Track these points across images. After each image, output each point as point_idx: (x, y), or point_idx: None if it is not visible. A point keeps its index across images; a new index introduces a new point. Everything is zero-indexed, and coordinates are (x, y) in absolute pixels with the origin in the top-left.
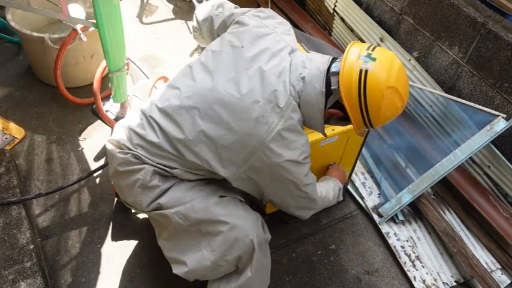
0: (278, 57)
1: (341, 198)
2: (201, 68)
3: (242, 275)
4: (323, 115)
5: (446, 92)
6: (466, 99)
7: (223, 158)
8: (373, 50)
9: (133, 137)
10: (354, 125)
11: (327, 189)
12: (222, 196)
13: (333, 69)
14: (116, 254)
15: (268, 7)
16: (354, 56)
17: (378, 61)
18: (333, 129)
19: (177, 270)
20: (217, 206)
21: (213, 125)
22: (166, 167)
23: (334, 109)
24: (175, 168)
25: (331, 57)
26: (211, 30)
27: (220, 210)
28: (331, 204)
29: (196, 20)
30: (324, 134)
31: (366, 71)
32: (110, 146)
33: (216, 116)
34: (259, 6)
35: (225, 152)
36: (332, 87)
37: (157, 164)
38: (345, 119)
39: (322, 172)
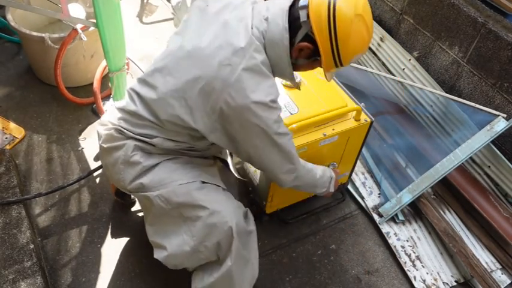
0: (241, 8)
1: (332, 190)
2: (174, 36)
3: (223, 266)
4: (289, 53)
5: (446, 92)
6: (466, 99)
7: (194, 109)
8: None
9: (117, 112)
10: (323, 58)
11: (315, 167)
12: (204, 182)
13: (301, 3)
14: (115, 254)
15: None
16: None
17: None
18: (333, 129)
19: (157, 254)
20: (199, 192)
21: (181, 78)
22: (147, 136)
23: (304, 42)
24: (155, 137)
25: None
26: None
27: (201, 196)
28: (321, 192)
29: (172, 6)
30: (294, 83)
31: (335, 1)
32: (98, 127)
33: (184, 69)
34: None
35: (194, 102)
36: (301, 20)
37: (138, 134)
38: (314, 55)
39: None
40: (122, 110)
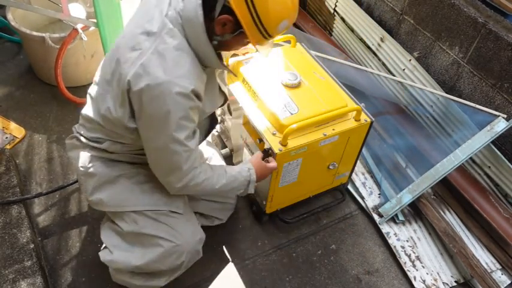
0: None
1: (251, 191)
2: None
3: (153, 280)
4: (205, 30)
5: (446, 92)
6: (466, 100)
7: (115, 99)
8: None
9: (79, 120)
10: (245, 28)
11: (221, 174)
12: (171, 211)
13: None
14: None
15: None
16: None
17: None
18: (333, 129)
19: (103, 255)
20: (157, 222)
21: (109, 68)
22: (98, 141)
23: (224, 15)
24: (104, 140)
25: None
26: None
27: (160, 226)
28: (233, 194)
29: None
30: (223, 67)
31: None
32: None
33: (109, 60)
34: None
35: (115, 91)
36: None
37: (91, 139)
38: (238, 27)
39: (322, 172)
40: (80, 115)
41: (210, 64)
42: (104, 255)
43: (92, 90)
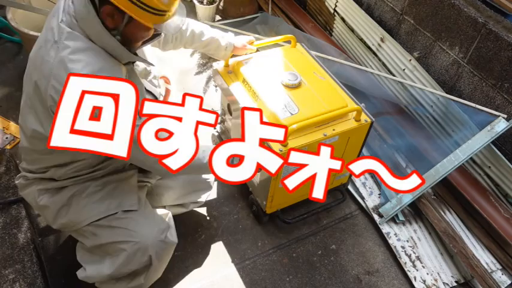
0: (57, 2)
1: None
2: None
3: (134, 280)
4: (102, 25)
5: (446, 92)
6: (466, 100)
7: (40, 115)
8: None
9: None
10: (124, 9)
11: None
12: (123, 211)
13: None
14: None
15: (268, 7)
16: None
17: None
18: (334, 130)
19: (79, 273)
20: (113, 228)
21: (27, 91)
22: (42, 171)
23: (104, 6)
24: (48, 169)
25: None
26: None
27: (118, 231)
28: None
29: None
30: (137, 57)
31: None
32: None
33: (27, 82)
34: (259, 6)
35: (39, 109)
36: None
37: (35, 172)
38: (124, 15)
39: None
40: (19, 149)
41: (122, 57)
42: (80, 274)
43: (20, 118)
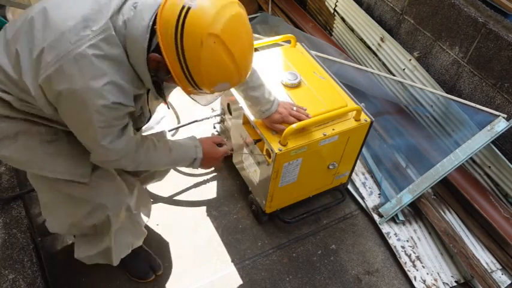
0: None
1: (196, 167)
2: None
3: (103, 243)
4: (146, 59)
5: (446, 92)
6: (466, 99)
7: (12, 52)
8: None
9: None
10: (176, 80)
11: (167, 151)
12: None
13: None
14: None
15: (268, 7)
16: None
17: (207, 0)
18: (333, 129)
19: (47, 225)
20: (80, 187)
21: (20, 24)
22: (4, 91)
23: (156, 54)
24: (8, 94)
25: None
26: None
27: (78, 193)
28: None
29: None
30: (161, 95)
31: (188, 9)
32: None
33: (38, 31)
34: (259, 6)
35: (24, 53)
36: (155, 26)
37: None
38: (167, 72)
39: (322, 172)
40: None
41: (146, 86)
42: (48, 224)
43: (9, 30)
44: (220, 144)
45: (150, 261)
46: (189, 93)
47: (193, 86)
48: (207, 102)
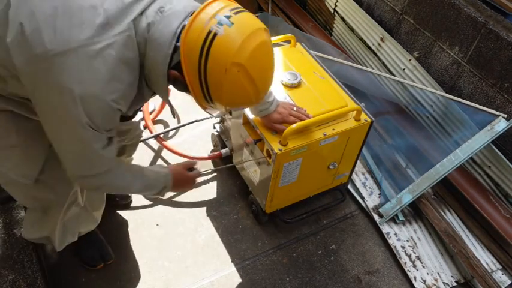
0: None
1: (164, 193)
2: None
3: (47, 227)
4: (167, 68)
5: (446, 92)
6: (466, 99)
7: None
8: (237, 13)
9: None
10: (194, 97)
11: (135, 177)
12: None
13: (185, 21)
14: (115, 254)
15: (268, 7)
16: (211, 12)
17: (234, 27)
18: (333, 129)
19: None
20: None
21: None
22: None
23: (175, 71)
24: None
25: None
26: None
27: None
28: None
29: None
30: (168, 102)
31: (215, 35)
32: None
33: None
34: (259, 6)
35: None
36: (178, 43)
37: None
38: (185, 86)
39: (322, 172)
40: None
41: (156, 91)
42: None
43: None
44: (191, 168)
45: (102, 249)
46: (204, 108)
47: (210, 104)
48: (220, 114)
